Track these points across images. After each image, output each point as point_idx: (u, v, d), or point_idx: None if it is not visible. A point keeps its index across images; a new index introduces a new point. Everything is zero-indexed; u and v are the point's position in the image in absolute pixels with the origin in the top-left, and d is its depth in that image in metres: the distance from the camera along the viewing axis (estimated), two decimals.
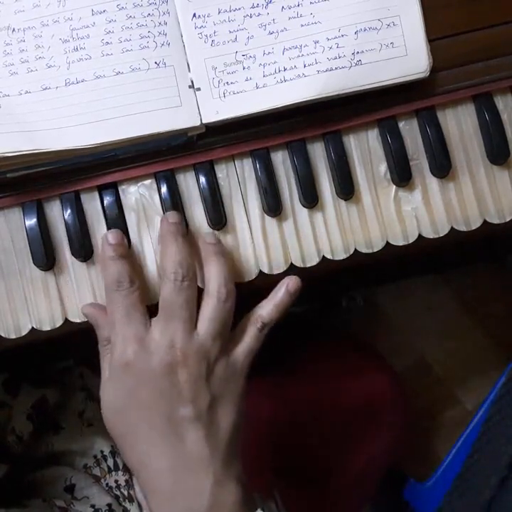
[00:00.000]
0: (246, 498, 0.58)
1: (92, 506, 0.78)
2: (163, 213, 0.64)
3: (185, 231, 0.63)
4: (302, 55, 0.62)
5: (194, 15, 0.62)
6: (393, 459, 0.93)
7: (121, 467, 0.81)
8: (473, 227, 0.66)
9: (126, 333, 0.59)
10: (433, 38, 0.63)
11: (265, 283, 0.65)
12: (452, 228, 0.65)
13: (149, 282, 0.64)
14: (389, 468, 0.93)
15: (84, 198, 0.65)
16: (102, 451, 0.82)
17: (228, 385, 0.60)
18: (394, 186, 0.66)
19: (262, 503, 0.59)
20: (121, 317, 0.60)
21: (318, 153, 0.65)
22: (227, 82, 0.62)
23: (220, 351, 0.60)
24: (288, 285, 0.63)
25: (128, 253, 0.63)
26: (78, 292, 0.64)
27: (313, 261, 0.65)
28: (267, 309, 0.63)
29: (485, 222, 0.66)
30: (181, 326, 0.59)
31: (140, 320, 0.60)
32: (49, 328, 0.64)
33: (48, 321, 0.64)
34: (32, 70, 0.61)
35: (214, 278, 0.61)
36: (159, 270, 0.64)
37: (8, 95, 0.61)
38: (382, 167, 0.66)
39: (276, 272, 0.65)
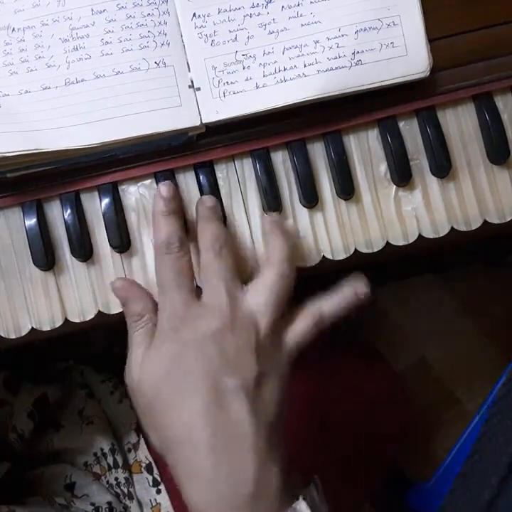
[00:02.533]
0: (288, 484, 0.56)
1: (92, 504, 0.78)
2: None
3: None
4: (302, 54, 0.62)
5: (194, 15, 0.62)
6: (393, 459, 0.93)
7: (121, 465, 0.82)
8: (474, 227, 0.66)
9: (175, 298, 0.58)
10: (433, 37, 0.63)
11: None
12: (452, 228, 0.65)
13: (149, 280, 0.64)
14: (389, 469, 0.94)
15: (84, 197, 0.64)
16: (101, 449, 0.82)
17: (275, 363, 0.58)
18: (394, 186, 0.66)
19: (302, 490, 0.57)
20: (171, 282, 0.59)
21: (318, 153, 0.65)
22: (227, 82, 0.62)
23: (270, 325, 0.58)
24: (358, 289, 0.61)
25: (180, 209, 0.62)
26: (78, 292, 0.64)
27: (313, 261, 0.65)
28: (330, 305, 0.61)
29: (485, 222, 0.66)
30: (226, 290, 0.58)
31: (189, 286, 0.59)
32: (49, 328, 0.64)
33: (48, 321, 0.64)
34: (32, 70, 0.61)
35: (278, 251, 0.60)
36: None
37: (8, 95, 0.61)
38: (382, 167, 0.66)
39: None
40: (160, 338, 0.59)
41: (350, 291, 0.61)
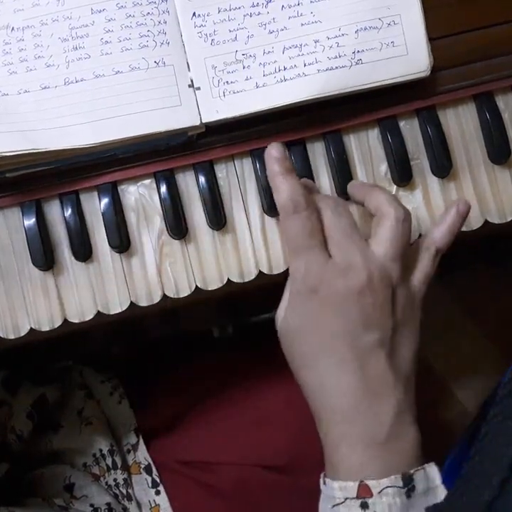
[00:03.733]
0: (421, 446, 0.57)
1: (91, 505, 0.78)
2: (163, 213, 0.64)
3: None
4: (302, 54, 0.62)
5: (194, 14, 0.62)
6: None
7: (120, 466, 0.82)
8: (475, 227, 0.66)
9: (311, 259, 0.57)
10: (434, 37, 0.63)
11: (265, 283, 0.65)
12: None
13: (149, 281, 0.64)
14: None
15: (84, 197, 0.64)
16: (100, 450, 0.82)
17: (409, 312, 0.59)
18: (394, 186, 0.66)
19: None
20: (304, 242, 0.57)
21: (318, 152, 0.65)
22: (227, 82, 0.62)
23: (400, 275, 0.58)
24: (458, 206, 0.61)
25: (294, 168, 0.60)
26: (77, 292, 0.64)
27: None
28: (439, 233, 0.60)
29: (486, 221, 0.66)
30: (358, 248, 0.57)
31: (322, 245, 0.58)
32: (48, 329, 0.63)
33: (47, 321, 0.64)
34: (31, 69, 0.61)
35: (386, 200, 0.59)
36: (158, 270, 0.64)
37: (7, 94, 0.61)
38: (383, 167, 0.66)
39: (275, 272, 0.65)
40: (295, 298, 0.58)
41: (452, 213, 0.61)
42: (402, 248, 0.58)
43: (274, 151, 0.59)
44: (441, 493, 0.56)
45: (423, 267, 0.60)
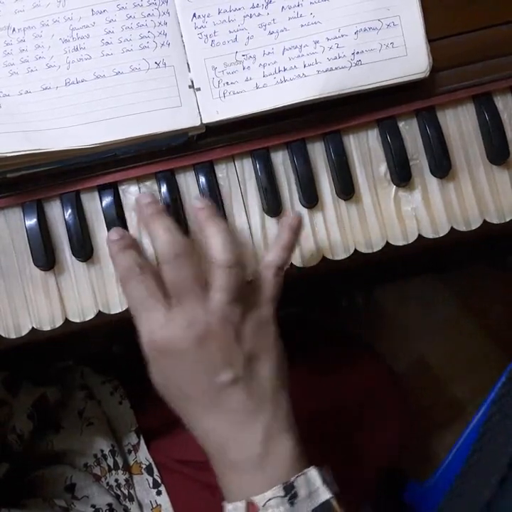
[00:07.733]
0: (301, 453, 0.59)
1: (93, 506, 0.78)
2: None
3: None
4: (302, 55, 0.62)
5: (194, 15, 0.62)
6: (393, 458, 0.93)
7: (121, 466, 0.81)
8: (473, 227, 0.66)
9: (150, 319, 0.58)
10: (433, 38, 0.63)
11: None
12: (452, 228, 0.66)
13: None
14: (389, 469, 0.93)
15: (85, 198, 0.65)
16: (101, 450, 0.82)
17: (259, 337, 0.60)
18: (394, 186, 0.66)
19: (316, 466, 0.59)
20: (141, 304, 0.59)
21: (318, 153, 0.65)
22: (227, 82, 0.62)
23: (240, 314, 0.59)
24: (289, 223, 0.62)
25: (134, 243, 0.62)
26: (78, 292, 0.64)
27: (313, 261, 0.65)
28: (275, 253, 0.61)
29: (485, 222, 0.66)
30: (195, 300, 0.58)
31: (160, 303, 0.58)
32: (49, 328, 0.64)
33: (48, 321, 0.64)
34: (32, 70, 0.61)
35: (215, 245, 0.59)
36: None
37: (9, 95, 0.61)
38: (382, 167, 0.66)
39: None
40: (149, 357, 0.59)
41: (284, 230, 0.62)
42: (237, 289, 0.59)
43: (111, 235, 0.61)
44: (322, 494, 0.57)
45: (265, 290, 0.61)
